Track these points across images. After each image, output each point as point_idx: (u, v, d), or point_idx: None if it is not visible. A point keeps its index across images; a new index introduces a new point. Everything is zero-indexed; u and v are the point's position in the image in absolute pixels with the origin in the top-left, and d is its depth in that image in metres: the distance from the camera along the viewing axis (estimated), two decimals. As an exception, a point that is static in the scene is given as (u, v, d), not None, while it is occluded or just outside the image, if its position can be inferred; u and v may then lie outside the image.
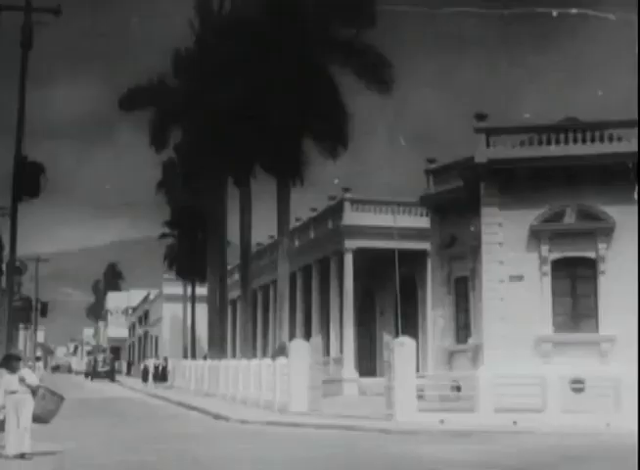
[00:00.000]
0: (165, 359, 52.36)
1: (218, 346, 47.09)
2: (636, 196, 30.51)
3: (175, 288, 73.46)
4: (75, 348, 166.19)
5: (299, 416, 26.57)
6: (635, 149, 29.08)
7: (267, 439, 21.95)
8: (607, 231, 29.23)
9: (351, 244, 41.12)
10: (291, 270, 39.61)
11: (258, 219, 45.95)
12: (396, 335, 29.82)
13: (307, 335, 41.94)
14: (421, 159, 36.35)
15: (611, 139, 29.58)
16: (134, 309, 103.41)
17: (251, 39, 37.53)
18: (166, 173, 63.76)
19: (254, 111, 37.20)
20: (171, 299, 75.89)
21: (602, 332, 28.93)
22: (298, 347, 29.09)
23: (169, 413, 31.84)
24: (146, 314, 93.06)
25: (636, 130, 29.56)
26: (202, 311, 56.49)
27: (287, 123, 36.25)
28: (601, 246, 29.20)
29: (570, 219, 29.71)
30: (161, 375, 50.00)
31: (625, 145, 29.31)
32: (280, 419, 26.17)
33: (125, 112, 45.59)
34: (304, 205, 45.80)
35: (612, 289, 28.88)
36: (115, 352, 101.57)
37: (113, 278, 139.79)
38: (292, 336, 38.76)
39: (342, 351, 40.99)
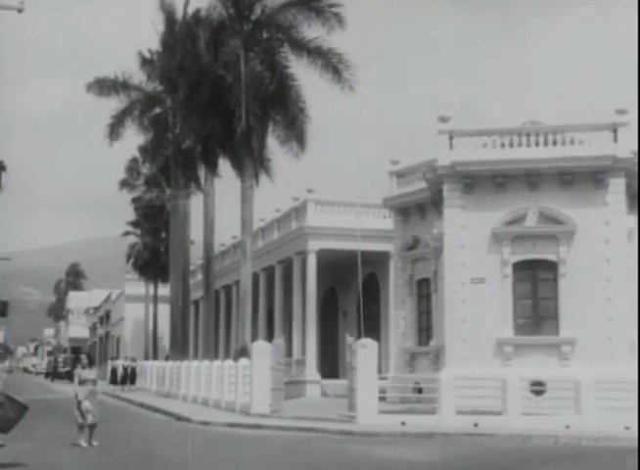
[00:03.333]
0: (134, 360, 51.72)
1: (180, 347, 46.90)
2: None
3: (137, 288, 73.09)
4: (36, 348, 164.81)
5: (261, 418, 26.50)
6: (596, 153, 29.32)
7: (229, 440, 21.87)
8: (568, 234, 29.44)
9: (315, 245, 41.09)
10: (254, 271, 39.49)
11: (222, 219, 45.91)
12: (359, 336, 29.77)
13: (270, 336, 41.83)
14: (385, 160, 36.46)
15: (572, 143, 29.80)
16: (96, 309, 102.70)
17: (215, 40, 37.45)
18: (129, 172, 63.56)
19: (218, 109, 37.12)
20: (133, 299, 75.46)
21: (562, 334, 29.13)
22: (261, 348, 28.99)
23: (131, 415, 31.65)
24: (107, 314, 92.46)
25: (597, 134, 29.83)
26: (164, 312, 56.24)
27: (251, 122, 36.19)
28: (562, 248, 29.39)
29: (531, 222, 29.90)
30: (131, 377, 49.13)
31: (587, 148, 29.55)
32: (241, 421, 26.09)
33: (94, 96, 46.04)
34: (268, 205, 45.74)
35: (572, 291, 29.09)
36: (76, 352, 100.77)
37: (75, 278, 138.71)
38: (254, 337, 38.61)
39: (304, 352, 40.94)
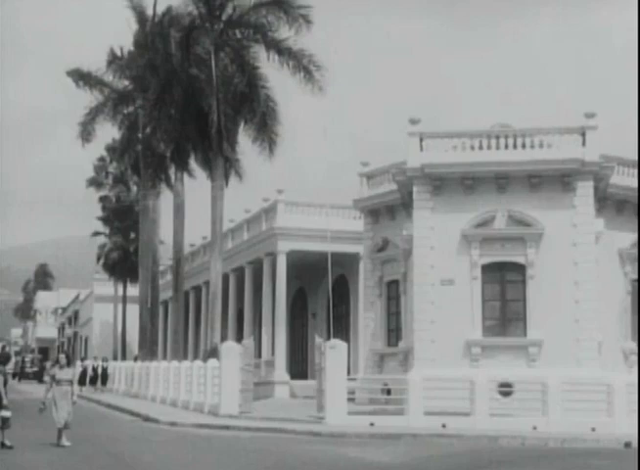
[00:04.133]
0: (106, 360, 51.28)
1: (149, 347, 46.73)
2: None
3: (106, 288, 72.74)
4: (3, 347, 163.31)
5: (230, 419, 26.47)
6: (565, 156, 29.55)
7: (197, 441, 21.82)
8: (536, 237, 29.63)
9: (284, 246, 41.07)
10: (223, 271, 39.42)
11: (192, 220, 45.79)
12: (328, 337, 29.83)
13: (239, 337, 41.78)
14: (355, 162, 36.53)
15: (541, 146, 30.00)
16: (64, 310, 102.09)
17: (186, 39, 37.37)
18: (97, 171, 63.24)
19: (189, 109, 37.07)
20: (102, 299, 75.11)
21: (530, 336, 29.31)
22: (230, 349, 28.96)
23: (99, 415, 31.48)
24: (76, 315, 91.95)
25: (566, 138, 30.06)
26: (133, 312, 55.96)
27: (222, 123, 36.16)
28: (530, 251, 29.58)
29: (500, 224, 30.06)
30: (102, 377, 48.55)
31: (555, 152, 29.76)
32: (210, 421, 26.05)
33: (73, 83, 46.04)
34: (238, 206, 45.68)
35: (540, 293, 29.28)
36: (44, 352, 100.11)
37: (43, 278, 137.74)
38: (223, 338, 38.54)
39: (273, 353, 40.91)
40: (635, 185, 32.48)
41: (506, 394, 27.10)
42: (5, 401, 19.37)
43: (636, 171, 32.91)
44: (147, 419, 28.19)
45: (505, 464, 18.23)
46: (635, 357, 31.89)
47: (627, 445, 21.43)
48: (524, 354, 29.17)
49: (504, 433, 22.55)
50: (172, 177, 45.34)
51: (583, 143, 29.86)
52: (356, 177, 35.85)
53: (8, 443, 19.03)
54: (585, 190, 29.70)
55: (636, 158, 33.16)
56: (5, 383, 19.75)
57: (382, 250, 34.52)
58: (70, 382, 20.24)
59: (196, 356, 49.87)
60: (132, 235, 64.79)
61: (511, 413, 24.83)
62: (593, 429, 23.22)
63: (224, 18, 37.39)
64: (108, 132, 49.84)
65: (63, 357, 20.83)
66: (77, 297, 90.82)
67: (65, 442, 19.50)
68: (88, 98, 46.69)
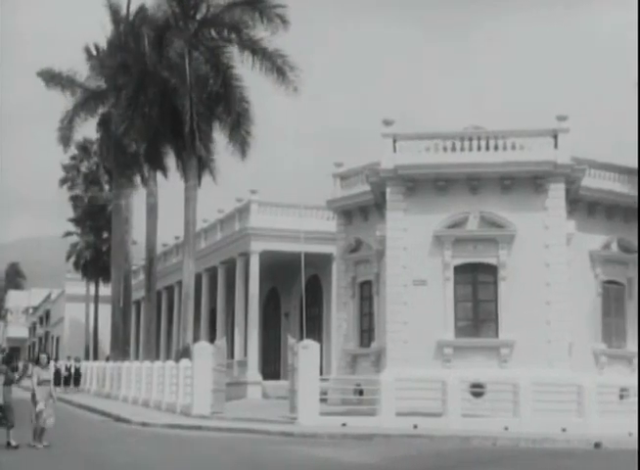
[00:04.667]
0: (78, 360, 50.91)
1: (121, 347, 46.57)
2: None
3: (78, 288, 72.35)
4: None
5: (202, 419, 26.42)
6: (537, 158, 29.72)
7: (168, 441, 21.77)
8: (508, 238, 29.77)
9: (257, 246, 41.05)
10: (196, 271, 39.35)
11: (165, 220, 45.63)
12: (301, 338, 29.87)
13: (212, 337, 41.68)
14: (329, 162, 36.55)
15: (513, 148, 30.15)
16: (35, 309, 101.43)
17: (160, 39, 37.27)
18: (69, 171, 62.87)
19: (163, 109, 36.97)
20: (74, 299, 74.69)
21: (501, 337, 29.44)
22: (202, 349, 28.90)
23: (70, 416, 31.26)
24: (47, 314, 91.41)
25: (538, 140, 30.23)
26: (105, 312, 55.73)
27: (195, 123, 36.09)
28: (502, 252, 29.72)
29: (472, 226, 30.17)
30: (75, 378, 48.16)
31: (527, 154, 29.93)
32: (182, 422, 25.98)
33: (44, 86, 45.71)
34: (212, 206, 45.60)
35: (512, 295, 29.42)
36: (15, 352, 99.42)
37: (14, 277, 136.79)
38: (196, 338, 38.49)
39: (246, 353, 40.87)
40: (606, 187, 32.74)
41: (478, 394, 27.21)
42: (0, 401, 19.33)
43: (607, 174, 33.17)
44: (118, 419, 28.08)
45: (476, 465, 18.31)
46: (605, 359, 32.15)
47: (597, 445, 21.59)
48: (495, 355, 29.30)
49: (476, 433, 22.64)
50: (146, 177, 45.18)
51: (555, 145, 30.04)
52: (330, 178, 35.89)
53: (14, 443, 19.07)
54: (557, 192, 29.87)
55: (608, 161, 33.46)
56: (10, 382, 19.80)
57: (355, 250, 34.57)
58: (50, 382, 20.20)
59: (168, 357, 49.74)
60: (105, 235, 64.50)
61: (482, 414, 24.95)
62: (564, 429, 23.37)
63: (198, 17, 37.35)
64: (83, 132, 49.60)
65: (44, 357, 20.79)
66: (49, 296, 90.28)
67: (44, 442, 19.40)
68: (60, 97, 46.41)
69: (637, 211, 31.62)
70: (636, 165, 33.88)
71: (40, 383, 19.85)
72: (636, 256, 33.50)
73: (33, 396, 19.84)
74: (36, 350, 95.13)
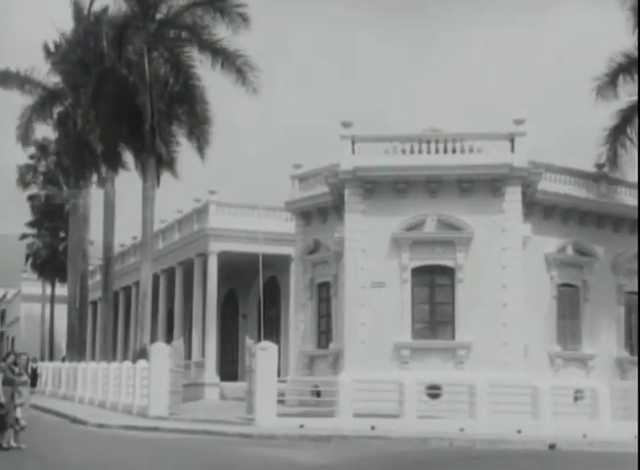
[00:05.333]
0: (35, 360, 50.27)
1: (77, 348, 46.19)
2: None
3: (34, 287, 71.68)
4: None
5: (158, 421, 26.31)
6: (494, 161, 29.96)
7: (125, 443, 21.66)
8: (465, 240, 29.98)
9: (216, 246, 40.96)
10: (154, 272, 39.16)
11: (123, 220, 45.37)
12: (259, 339, 29.81)
13: (169, 338, 41.48)
14: (288, 163, 36.57)
15: (471, 151, 30.37)
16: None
17: (120, 38, 37.07)
18: (23, 171, 62.21)
19: (122, 108, 36.77)
20: (30, 298, 73.98)
21: (458, 339, 29.63)
22: (159, 350, 28.79)
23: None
24: (2, 314, 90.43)
25: (495, 143, 30.48)
26: (61, 312, 55.27)
27: (155, 122, 35.95)
28: (459, 255, 29.92)
29: (430, 228, 30.35)
30: (32, 378, 47.47)
31: (485, 157, 30.17)
32: (138, 423, 25.86)
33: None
34: (170, 206, 45.41)
35: (469, 297, 29.63)
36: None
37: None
38: (153, 339, 38.28)
39: (203, 354, 40.76)
40: (562, 191, 33.11)
41: (434, 396, 27.38)
42: (2, 400, 19.12)
43: (563, 177, 33.54)
44: (74, 421, 27.88)
45: (433, 466, 18.43)
46: (560, 361, 32.50)
47: (552, 446, 21.82)
48: (452, 357, 29.51)
49: (432, 434, 22.77)
50: (103, 176, 44.87)
51: (512, 149, 30.32)
52: (288, 179, 35.91)
53: (15, 445, 18.96)
54: (514, 195, 30.13)
55: (565, 165, 33.83)
56: (10, 382, 19.52)
57: (313, 252, 34.62)
58: (26, 384, 20.10)
59: (125, 357, 49.43)
60: (62, 234, 63.97)
61: (439, 415, 25.08)
62: (519, 431, 23.57)
63: (158, 17, 37.17)
64: (42, 131, 49.15)
65: (24, 359, 20.66)
66: (4, 296, 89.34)
67: (21, 444, 19.24)
68: (17, 97, 45.94)
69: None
70: (591, 169, 34.34)
71: (18, 384, 19.64)
72: (590, 259, 33.91)
73: (13, 397, 19.55)
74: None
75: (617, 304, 34.67)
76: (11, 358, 19.96)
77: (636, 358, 34.66)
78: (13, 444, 19.10)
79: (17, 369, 19.80)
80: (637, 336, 34.59)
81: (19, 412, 19.39)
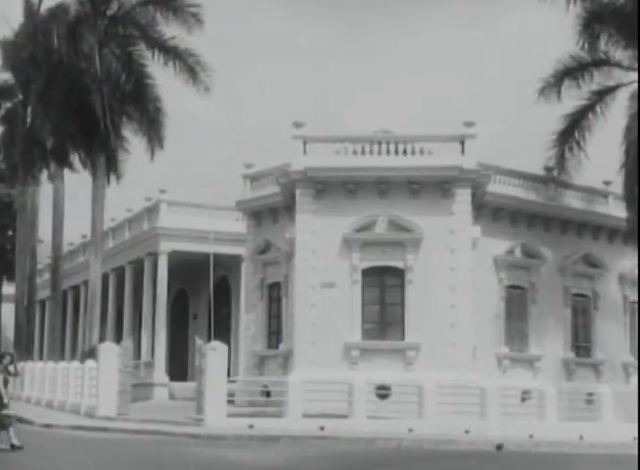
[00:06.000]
0: None
1: (25, 347, 45.68)
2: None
3: (-19, 286, 70.73)
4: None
5: (107, 421, 26.14)
6: (444, 163, 30.17)
7: (72, 443, 21.50)
8: (415, 242, 30.16)
9: (166, 246, 40.77)
10: (103, 271, 38.87)
11: (72, 218, 45.01)
12: (209, 339, 29.74)
13: (118, 338, 41.26)
14: (240, 163, 36.51)
15: (421, 153, 30.57)
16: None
17: (71, 34, 36.76)
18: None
19: (73, 105, 36.46)
20: (-24, 297, 72.93)
21: (407, 340, 29.79)
22: (108, 349, 28.60)
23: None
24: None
25: (445, 145, 30.71)
26: (8, 311, 54.64)
27: (106, 120, 35.69)
28: (409, 256, 30.10)
29: (380, 229, 30.48)
30: None
31: (435, 159, 30.38)
32: (86, 423, 25.68)
33: None
34: (120, 205, 45.10)
35: (418, 298, 29.79)
36: None
37: None
38: (102, 338, 38.02)
39: (153, 354, 40.56)
40: (511, 193, 33.43)
41: (383, 396, 27.52)
42: (5, 400, 19.04)
43: (512, 180, 33.88)
44: (20, 421, 27.51)
45: (381, 466, 18.55)
46: (508, 362, 32.81)
47: (499, 447, 22.05)
48: (401, 358, 29.67)
49: (381, 435, 22.91)
50: (53, 174, 44.46)
51: (462, 151, 30.57)
52: (240, 179, 35.85)
53: (17, 443, 18.76)
54: (463, 197, 30.37)
55: (515, 167, 34.15)
56: (5, 382, 19.41)
57: (264, 252, 34.61)
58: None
59: (73, 357, 49.03)
60: (9, 232, 63.20)
61: (388, 416, 25.20)
62: (467, 431, 23.79)
63: (109, 14, 36.92)
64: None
65: (9, 357, 20.56)
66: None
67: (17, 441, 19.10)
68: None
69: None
70: (540, 172, 34.72)
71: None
72: (538, 261, 34.30)
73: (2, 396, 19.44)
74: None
75: (563, 306, 35.08)
76: (7, 359, 19.93)
77: (582, 360, 35.24)
78: (15, 442, 18.94)
79: (12, 369, 19.74)
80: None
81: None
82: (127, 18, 37.02)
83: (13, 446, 18.78)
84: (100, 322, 37.26)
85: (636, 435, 23.55)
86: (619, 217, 34.28)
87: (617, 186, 33.82)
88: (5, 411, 19.06)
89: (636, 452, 19.98)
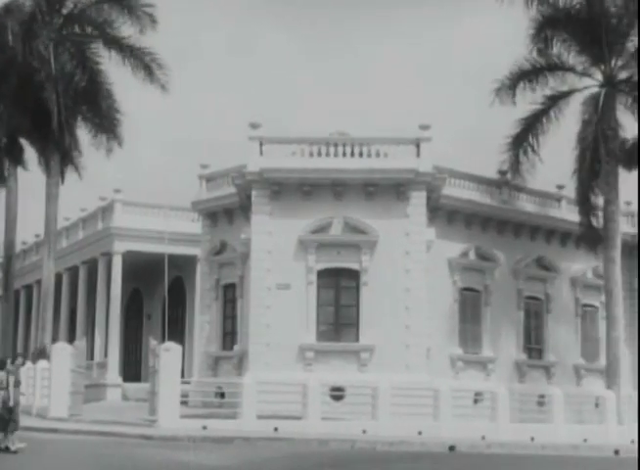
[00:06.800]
0: None
1: (-25, 347, 45.18)
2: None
3: None
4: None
5: (59, 422, 25.91)
6: (399, 166, 30.30)
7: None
8: (370, 244, 30.26)
9: (121, 246, 40.51)
10: (57, 271, 38.51)
11: (25, 217, 44.52)
12: (163, 340, 29.61)
13: (71, 338, 40.91)
14: (196, 163, 36.39)
15: (377, 155, 30.67)
16: None
17: (26, 32, 36.41)
18: None
19: (27, 103, 36.13)
20: None
21: (362, 341, 29.87)
22: (61, 350, 28.37)
23: None
24: None
25: (401, 148, 30.86)
26: (-41, 311, 53.90)
27: (60, 118, 35.40)
28: (364, 258, 30.19)
29: (336, 231, 30.53)
30: None
31: (390, 161, 30.50)
32: (38, 424, 25.39)
33: None
34: (75, 204, 44.72)
35: (373, 300, 29.89)
36: None
37: None
38: (55, 339, 37.66)
39: (106, 355, 40.28)
40: (465, 196, 33.65)
41: (338, 398, 27.56)
42: (11, 403, 18.94)
43: (467, 183, 34.11)
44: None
45: (333, 467, 18.59)
46: (461, 364, 33.04)
47: (451, 448, 22.21)
48: (355, 359, 29.74)
49: (335, 436, 22.98)
50: (4, 172, 43.96)
51: (418, 154, 30.72)
52: (196, 179, 35.72)
53: (12, 447, 18.69)
54: (418, 200, 30.52)
55: (470, 171, 34.40)
56: (18, 383, 19.32)
57: (219, 253, 34.51)
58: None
59: (25, 357, 48.51)
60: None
61: (342, 417, 25.29)
62: (420, 433, 23.94)
63: (65, 12, 36.65)
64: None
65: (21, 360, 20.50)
66: None
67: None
68: None
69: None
70: (495, 176, 35.00)
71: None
72: (492, 264, 34.57)
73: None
74: None
75: (516, 308, 35.39)
76: (19, 360, 20.08)
77: (534, 362, 35.59)
78: (11, 446, 18.87)
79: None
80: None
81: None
82: (83, 16, 36.77)
83: (6, 450, 18.79)
84: (53, 322, 36.90)
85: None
86: (572, 221, 34.66)
87: (570, 190, 34.20)
88: (7, 415, 19.00)
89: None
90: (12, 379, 19.25)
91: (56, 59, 35.53)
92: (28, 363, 34.12)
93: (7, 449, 18.79)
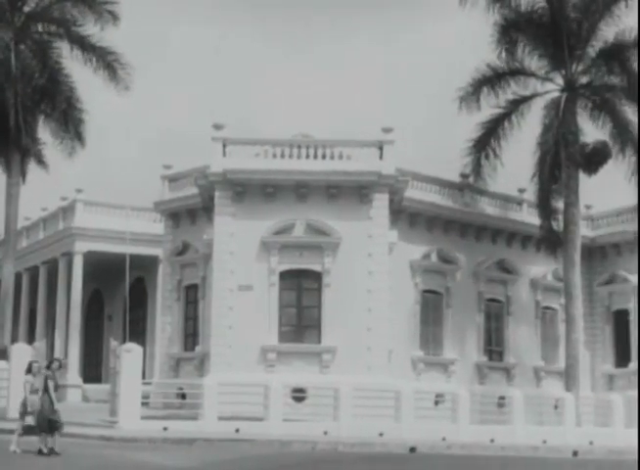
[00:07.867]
0: None
1: None
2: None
3: None
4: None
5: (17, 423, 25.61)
6: (362, 168, 30.41)
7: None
8: (333, 245, 30.32)
9: (82, 246, 40.28)
10: (16, 271, 38.18)
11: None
12: (124, 341, 29.45)
13: (31, 339, 40.60)
14: (159, 163, 36.25)
15: (340, 157, 30.74)
16: None
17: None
18: None
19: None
20: None
21: (324, 343, 29.93)
22: (20, 350, 28.10)
23: None
24: None
25: (364, 151, 30.95)
26: None
27: (21, 117, 35.09)
28: (327, 259, 30.25)
29: (299, 232, 30.57)
30: None
31: (353, 163, 30.59)
32: (-4, 426, 25.16)
33: None
34: (35, 204, 44.37)
35: (335, 301, 29.96)
36: None
37: None
38: (14, 339, 37.38)
39: (66, 356, 40.00)
40: (427, 199, 33.83)
41: (299, 399, 27.59)
42: (56, 406, 18.94)
43: (429, 186, 34.30)
44: None
45: (295, 468, 18.61)
46: (423, 365, 33.20)
47: (412, 449, 22.32)
48: (317, 361, 29.79)
49: (296, 437, 22.99)
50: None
51: (381, 156, 30.83)
52: (158, 179, 35.59)
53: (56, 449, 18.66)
54: (381, 202, 30.64)
55: (432, 173, 34.58)
56: (56, 387, 19.28)
57: (181, 253, 34.41)
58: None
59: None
60: None
61: (303, 418, 25.32)
62: (381, 434, 24.03)
63: (26, 10, 36.35)
64: None
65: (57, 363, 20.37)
66: None
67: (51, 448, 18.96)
68: None
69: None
70: (457, 179, 35.22)
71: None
72: (453, 266, 34.78)
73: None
74: None
75: (477, 310, 35.64)
76: (56, 364, 19.93)
77: (494, 364, 35.83)
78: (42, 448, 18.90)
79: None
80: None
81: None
82: (45, 14, 36.49)
83: (51, 451, 18.72)
84: (12, 323, 36.59)
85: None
86: (533, 224, 34.96)
87: (531, 194, 34.47)
88: (54, 416, 18.92)
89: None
90: (51, 383, 19.26)
91: (16, 57, 35.23)
92: None
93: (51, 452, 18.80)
